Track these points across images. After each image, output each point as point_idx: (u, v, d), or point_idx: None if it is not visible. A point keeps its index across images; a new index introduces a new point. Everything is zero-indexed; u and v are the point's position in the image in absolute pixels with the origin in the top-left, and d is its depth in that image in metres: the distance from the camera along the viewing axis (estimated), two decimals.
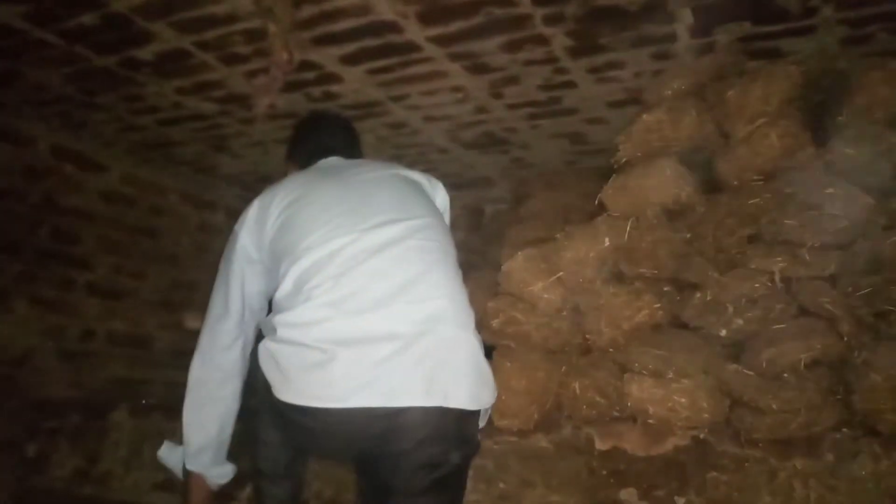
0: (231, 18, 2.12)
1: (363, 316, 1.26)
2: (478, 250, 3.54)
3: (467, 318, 1.38)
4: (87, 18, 2.14)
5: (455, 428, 1.28)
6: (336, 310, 1.27)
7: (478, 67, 2.41)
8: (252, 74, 2.41)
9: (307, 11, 2.05)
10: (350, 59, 2.36)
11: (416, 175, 1.62)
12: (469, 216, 3.92)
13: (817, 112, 2.11)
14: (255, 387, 1.38)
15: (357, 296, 1.28)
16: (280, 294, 1.35)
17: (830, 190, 1.87)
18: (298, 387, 1.24)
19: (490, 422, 2.27)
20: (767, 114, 1.97)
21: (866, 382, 1.86)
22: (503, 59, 2.34)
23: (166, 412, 2.80)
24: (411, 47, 2.27)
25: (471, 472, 2.29)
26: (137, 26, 2.17)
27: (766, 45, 2.18)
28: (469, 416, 1.32)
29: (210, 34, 2.23)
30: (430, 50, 2.28)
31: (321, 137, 1.79)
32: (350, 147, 1.78)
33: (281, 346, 1.29)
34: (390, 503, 1.29)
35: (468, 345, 1.34)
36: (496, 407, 2.25)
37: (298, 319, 1.28)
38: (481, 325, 2.36)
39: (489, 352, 2.37)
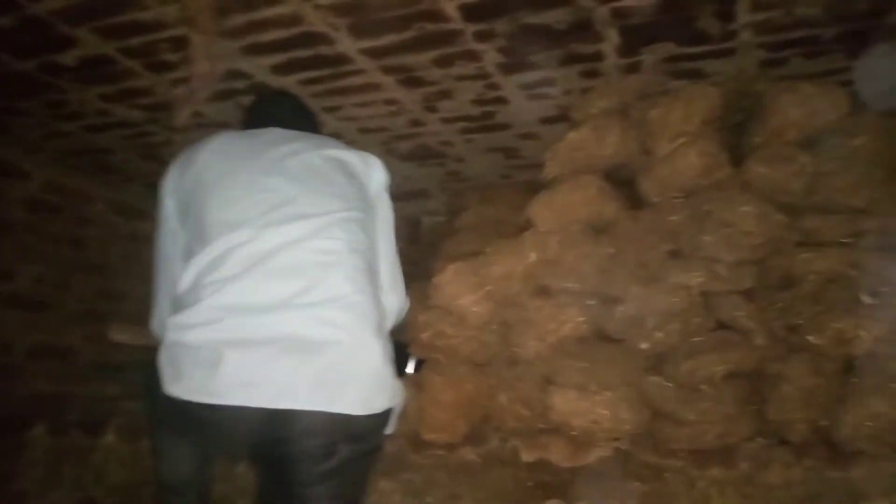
0: (157, 25, 2.07)
1: (253, 319, 1.26)
2: (416, 262, 3.55)
3: (366, 320, 1.34)
4: (4, 21, 2.07)
5: (342, 427, 1.26)
6: (227, 312, 1.26)
7: (411, 81, 2.42)
8: (179, 83, 2.36)
9: (236, 20, 2.02)
10: (281, 69, 2.34)
11: (350, 155, 1.55)
12: (407, 227, 3.92)
13: (736, 132, 2.19)
14: (151, 395, 1.34)
15: (249, 298, 1.27)
16: (180, 290, 1.34)
17: (746, 208, 1.94)
18: (188, 383, 1.25)
19: (417, 436, 2.29)
20: (687, 133, 2.03)
21: (778, 393, 1.94)
22: (436, 74, 2.36)
23: (87, 429, 2.71)
24: (343, 59, 2.26)
25: (399, 486, 2.31)
26: (58, 31, 2.10)
27: (689, 66, 2.24)
28: (361, 418, 1.29)
29: (135, 41, 2.17)
30: (362, 62, 2.28)
31: (266, 107, 1.76)
32: (296, 119, 1.71)
33: (175, 347, 1.29)
34: (283, 494, 1.28)
35: (362, 348, 1.31)
36: (424, 421, 2.26)
37: (189, 321, 1.28)
38: (413, 339, 2.38)
39: (419, 365, 2.37)
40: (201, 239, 1.34)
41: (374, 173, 1.59)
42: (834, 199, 1.93)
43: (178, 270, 1.40)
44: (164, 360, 1.29)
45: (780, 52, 2.17)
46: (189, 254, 1.35)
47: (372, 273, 1.45)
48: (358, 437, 1.30)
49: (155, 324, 1.53)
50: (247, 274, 1.28)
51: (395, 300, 1.59)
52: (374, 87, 2.46)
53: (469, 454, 2.27)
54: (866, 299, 1.87)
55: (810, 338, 1.90)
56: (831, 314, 1.87)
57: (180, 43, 2.13)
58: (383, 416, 1.35)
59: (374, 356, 1.33)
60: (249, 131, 1.62)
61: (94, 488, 2.63)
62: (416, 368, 2.43)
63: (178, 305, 1.33)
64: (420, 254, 3.66)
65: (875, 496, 1.91)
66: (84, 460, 2.65)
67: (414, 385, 2.24)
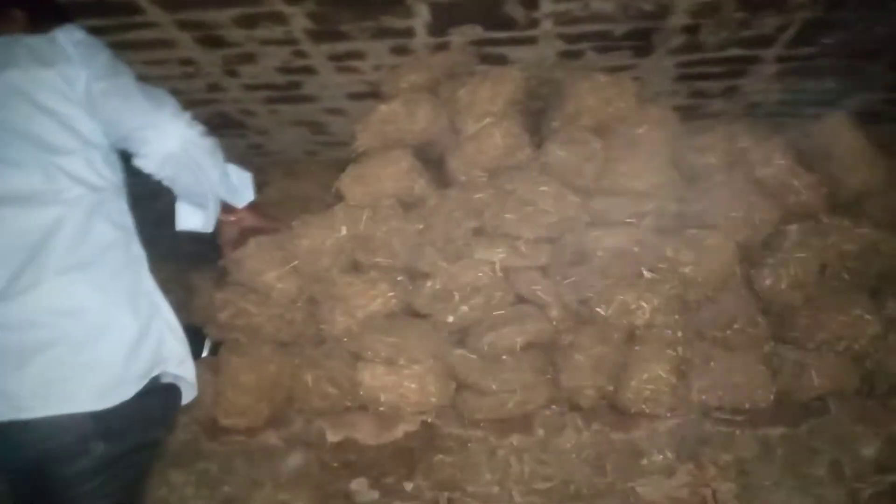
0: None
1: None
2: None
3: (97, 292, 1.18)
4: None
5: (87, 423, 1.13)
6: None
7: (210, 40, 2.23)
8: None
9: None
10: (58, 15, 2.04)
11: (43, 73, 1.29)
12: None
13: (536, 117, 2.30)
14: None
15: None
16: None
17: (544, 188, 2.04)
18: None
19: (214, 422, 2.14)
20: (493, 114, 2.09)
21: (571, 362, 2.07)
22: (238, 35, 2.20)
23: None
24: (132, 9, 2.02)
25: (192, 477, 2.15)
26: None
27: (494, 51, 2.31)
28: (110, 412, 1.15)
29: None
30: (155, 14, 2.06)
31: None
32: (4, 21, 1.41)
33: None
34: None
35: (97, 331, 1.17)
36: (222, 406, 2.12)
37: None
38: (209, 319, 2.21)
39: (215, 347, 2.21)
40: None
41: (68, 48, 1.35)
42: (620, 183, 2.09)
43: None
44: None
45: (576, 44, 2.30)
46: None
47: (116, 215, 1.28)
48: (115, 433, 1.16)
49: None
50: None
51: (173, 131, 1.43)
52: (169, 43, 2.24)
53: (271, 438, 2.17)
54: (647, 274, 2.06)
55: (599, 309, 2.05)
56: (617, 287, 2.04)
57: None
58: (147, 405, 1.21)
59: (116, 335, 1.18)
60: None
61: None
62: (213, 352, 2.27)
63: None
64: None
65: (652, 453, 2.13)
66: None
67: (209, 369, 2.09)
